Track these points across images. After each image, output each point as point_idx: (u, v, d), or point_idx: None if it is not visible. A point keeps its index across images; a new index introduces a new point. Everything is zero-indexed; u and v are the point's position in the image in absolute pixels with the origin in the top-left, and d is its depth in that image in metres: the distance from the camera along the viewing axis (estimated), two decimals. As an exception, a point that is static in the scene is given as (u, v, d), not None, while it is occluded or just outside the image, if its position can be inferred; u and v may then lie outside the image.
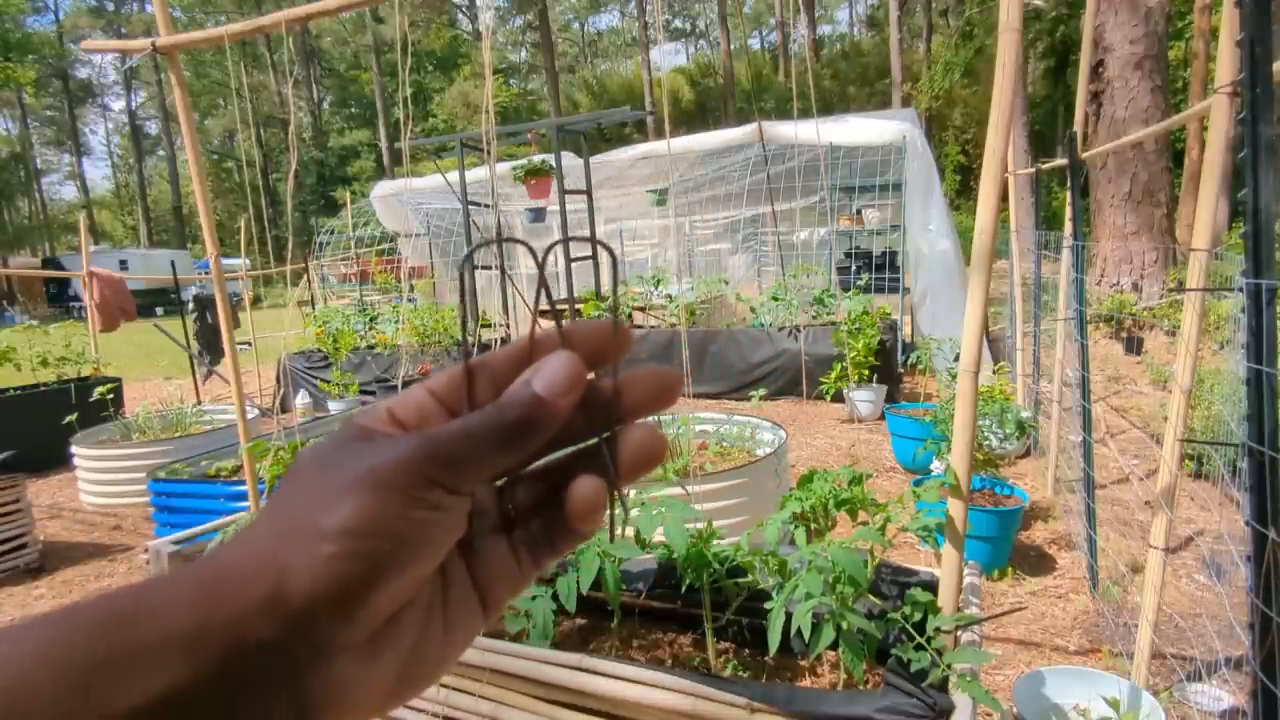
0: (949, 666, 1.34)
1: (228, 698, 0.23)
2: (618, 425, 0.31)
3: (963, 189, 23.64)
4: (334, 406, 6.40)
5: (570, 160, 7.81)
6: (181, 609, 0.23)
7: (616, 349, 0.31)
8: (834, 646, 1.44)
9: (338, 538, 0.24)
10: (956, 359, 1.61)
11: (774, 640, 1.45)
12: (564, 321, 0.31)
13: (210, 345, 8.15)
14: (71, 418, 4.66)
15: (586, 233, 7.76)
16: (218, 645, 0.23)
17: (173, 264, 9.02)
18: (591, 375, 0.31)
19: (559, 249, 7.13)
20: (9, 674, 0.21)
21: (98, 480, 4.56)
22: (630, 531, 1.74)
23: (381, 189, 11.22)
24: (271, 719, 0.24)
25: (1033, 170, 4.31)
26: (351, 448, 0.27)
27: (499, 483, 0.32)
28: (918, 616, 1.46)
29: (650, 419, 0.32)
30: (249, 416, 2.85)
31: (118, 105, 46.13)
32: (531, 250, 0.32)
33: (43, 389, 5.76)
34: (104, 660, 0.21)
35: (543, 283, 0.32)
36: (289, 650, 0.24)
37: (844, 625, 1.42)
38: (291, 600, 0.24)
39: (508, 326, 6.91)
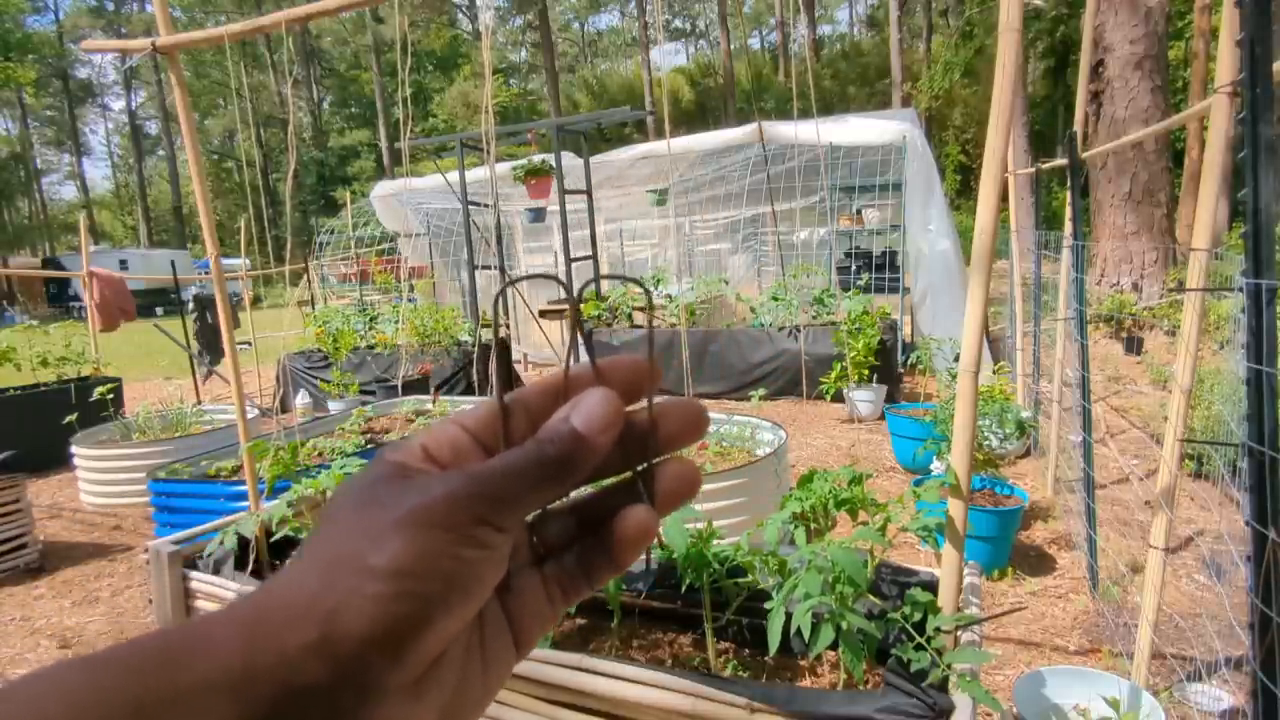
0: (949, 666, 1.34)
1: None
2: (655, 459, 0.31)
3: (963, 189, 23.64)
4: (334, 406, 6.40)
5: (570, 160, 7.82)
6: (227, 650, 0.23)
7: (650, 383, 0.32)
8: (834, 646, 1.44)
9: (388, 577, 0.24)
10: (956, 359, 1.61)
11: (774, 640, 1.45)
12: (597, 358, 0.31)
13: (210, 345, 8.15)
14: (71, 418, 4.66)
15: (585, 232, 7.77)
16: (266, 688, 0.22)
17: (173, 264, 9.02)
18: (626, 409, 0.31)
19: (559, 250, 7.12)
20: None
21: (98, 480, 4.56)
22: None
23: (381, 189, 11.22)
24: None
25: (1033, 170, 4.31)
26: (391, 485, 0.27)
27: (530, 518, 0.32)
28: (918, 616, 1.46)
29: (683, 451, 0.32)
30: (249, 416, 2.85)
31: (118, 105, 46.17)
32: (565, 285, 0.33)
33: (43, 389, 5.76)
34: (145, 703, 0.21)
35: (576, 321, 0.32)
36: (337, 693, 0.24)
37: (844, 625, 1.42)
38: (342, 642, 0.23)
39: (507, 326, 6.90)
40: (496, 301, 0.37)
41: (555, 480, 0.28)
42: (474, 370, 6.14)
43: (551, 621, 0.32)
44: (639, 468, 0.31)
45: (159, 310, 19.36)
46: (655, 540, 0.32)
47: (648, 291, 0.35)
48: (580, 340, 0.33)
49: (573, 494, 0.32)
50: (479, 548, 0.26)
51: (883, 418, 5.23)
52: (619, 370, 0.31)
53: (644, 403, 0.32)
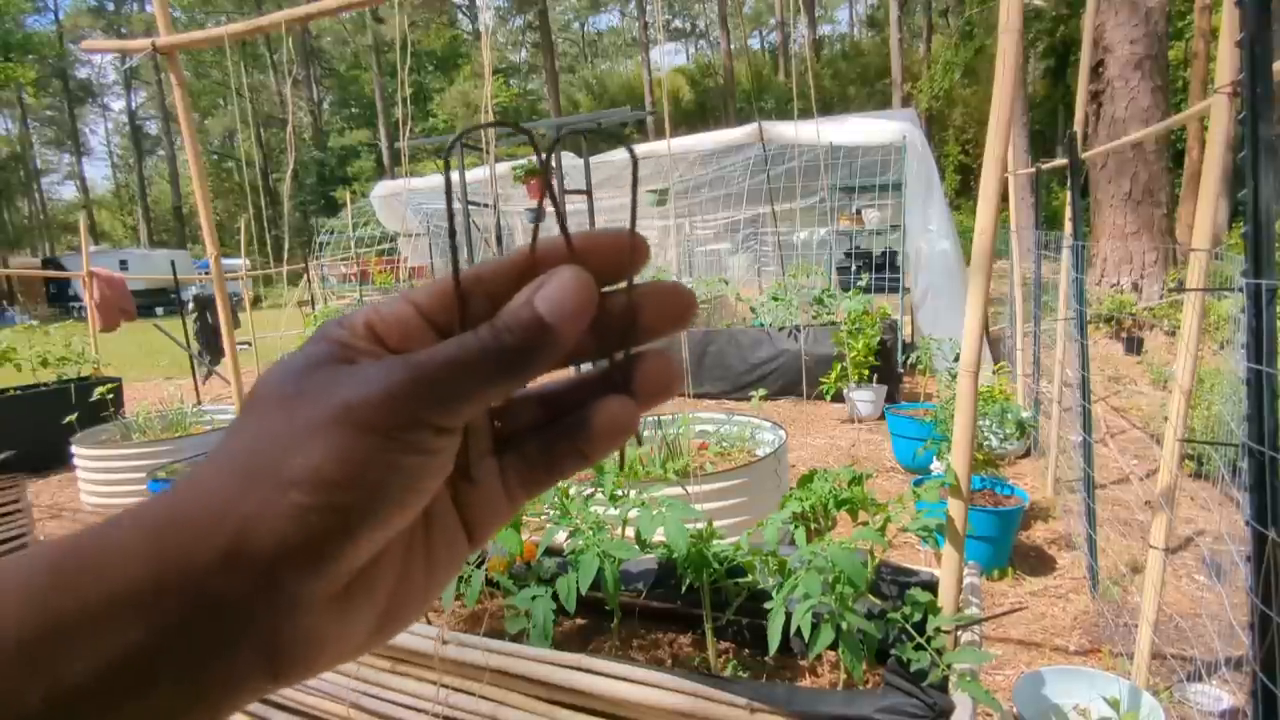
0: (949, 666, 1.34)
1: (191, 656, 0.21)
2: (633, 348, 0.28)
3: (963, 189, 23.64)
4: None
5: (570, 160, 7.82)
6: (133, 563, 0.21)
7: (632, 262, 0.27)
8: (834, 646, 1.44)
9: (308, 486, 0.22)
10: (956, 359, 1.61)
11: (774, 640, 1.45)
12: (571, 230, 0.27)
13: (210, 345, 8.15)
14: (71, 418, 4.65)
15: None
16: (175, 602, 0.21)
17: (173, 264, 9.02)
18: (602, 291, 0.27)
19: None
20: None
21: (98, 480, 4.56)
22: (630, 531, 1.74)
23: (381, 189, 11.23)
24: (241, 674, 0.22)
25: (1033, 170, 4.31)
26: (324, 372, 0.24)
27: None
28: (918, 616, 1.46)
29: (662, 343, 0.29)
30: (249, 416, 2.85)
31: (118, 105, 46.17)
32: (533, 139, 0.28)
33: (43, 389, 5.76)
34: (45, 626, 0.20)
35: (548, 180, 0.28)
36: (255, 605, 0.22)
37: (843, 625, 1.42)
38: (255, 554, 0.21)
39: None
40: (448, 154, 0.32)
41: (512, 373, 0.24)
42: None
43: (508, 515, 0.29)
44: (615, 357, 0.28)
45: (159, 310, 19.36)
46: (635, 441, 0.29)
47: (633, 155, 0.30)
48: (552, 208, 0.28)
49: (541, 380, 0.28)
50: (416, 453, 0.23)
51: (883, 418, 5.23)
52: (596, 245, 0.27)
53: (623, 284, 0.27)
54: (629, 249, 0.27)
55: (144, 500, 0.23)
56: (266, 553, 0.22)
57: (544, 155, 0.27)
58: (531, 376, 0.25)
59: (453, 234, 0.29)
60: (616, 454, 0.29)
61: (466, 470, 0.27)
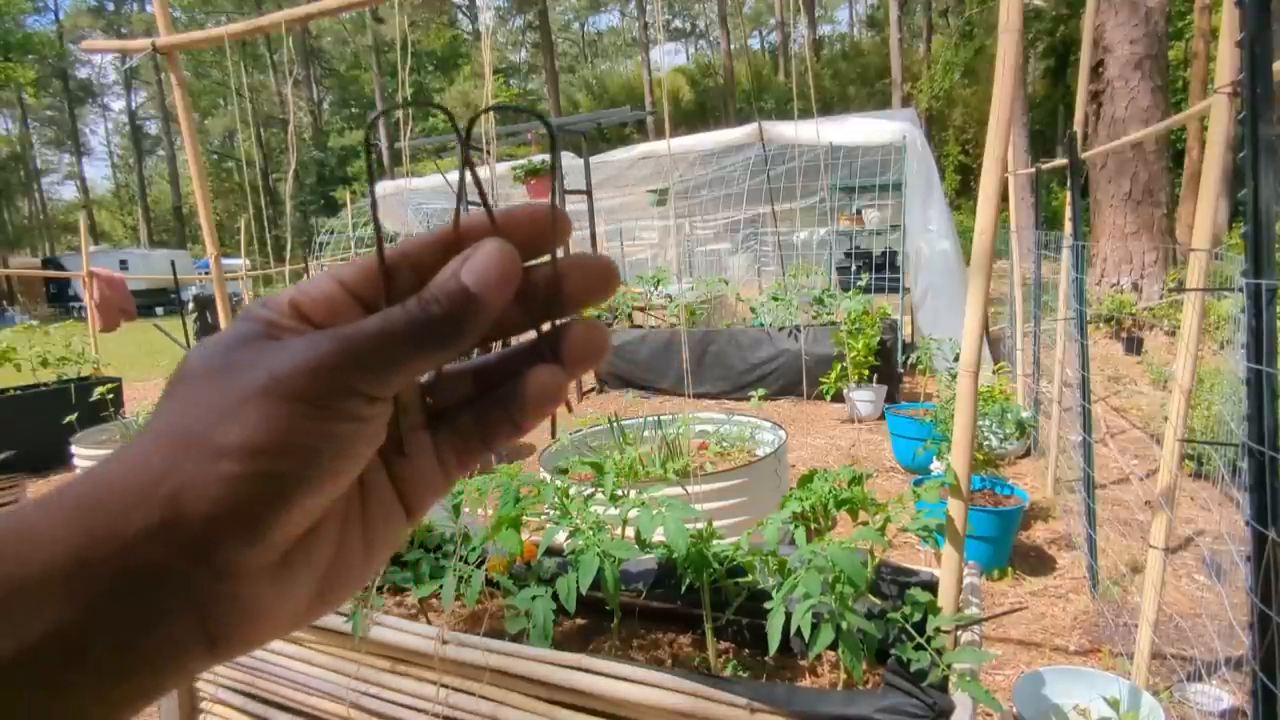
0: (949, 666, 1.34)
1: (123, 630, 0.21)
2: (558, 318, 0.28)
3: (963, 189, 23.64)
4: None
5: (570, 160, 7.82)
6: (60, 538, 0.21)
7: (555, 235, 0.28)
8: (834, 646, 1.44)
9: (238, 456, 0.22)
10: (956, 359, 1.61)
11: (774, 640, 1.45)
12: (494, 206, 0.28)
13: (210, 345, 8.15)
14: (71, 418, 4.65)
15: (585, 232, 7.76)
16: (105, 576, 0.21)
17: (173, 264, 9.03)
18: (527, 264, 0.28)
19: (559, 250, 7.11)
20: None
21: (98, 480, 4.56)
22: (630, 531, 1.74)
23: (381, 189, 11.22)
24: (179, 645, 0.22)
25: (1033, 170, 4.31)
26: (251, 348, 0.24)
27: (422, 379, 0.29)
28: (918, 616, 1.46)
29: (589, 312, 0.29)
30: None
31: (118, 105, 46.18)
32: (451, 117, 0.29)
33: (43, 389, 5.76)
34: None
35: (466, 160, 0.29)
36: (189, 575, 0.22)
37: (843, 625, 1.42)
38: (186, 525, 0.21)
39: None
40: (368, 130, 0.32)
41: (440, 344, 0.25)
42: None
43: (445, 488, 0.29)
44: (544, 328, 0.28)
45: (159, 310, 19.37)
46: (563, 403, 0.29)
47: (549, 127, 0.32)
48: (472, 184, 0.29)
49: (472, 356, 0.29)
50: (346, 420, 0.23)
51: (883, 418, 5.23)
52: (518, 220, 0.28)
53: (547, 257, 0.28)
54: (551, 223, 0.28)
55: (70, 479, 0.23)
56: (199, 521, 0.22)
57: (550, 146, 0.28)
58: (460, 347, 0.26)
59: (374, 206, 0.30)
60: (548, 421, 0.29)
61: (400, 444, 0.27)
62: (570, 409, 0.33)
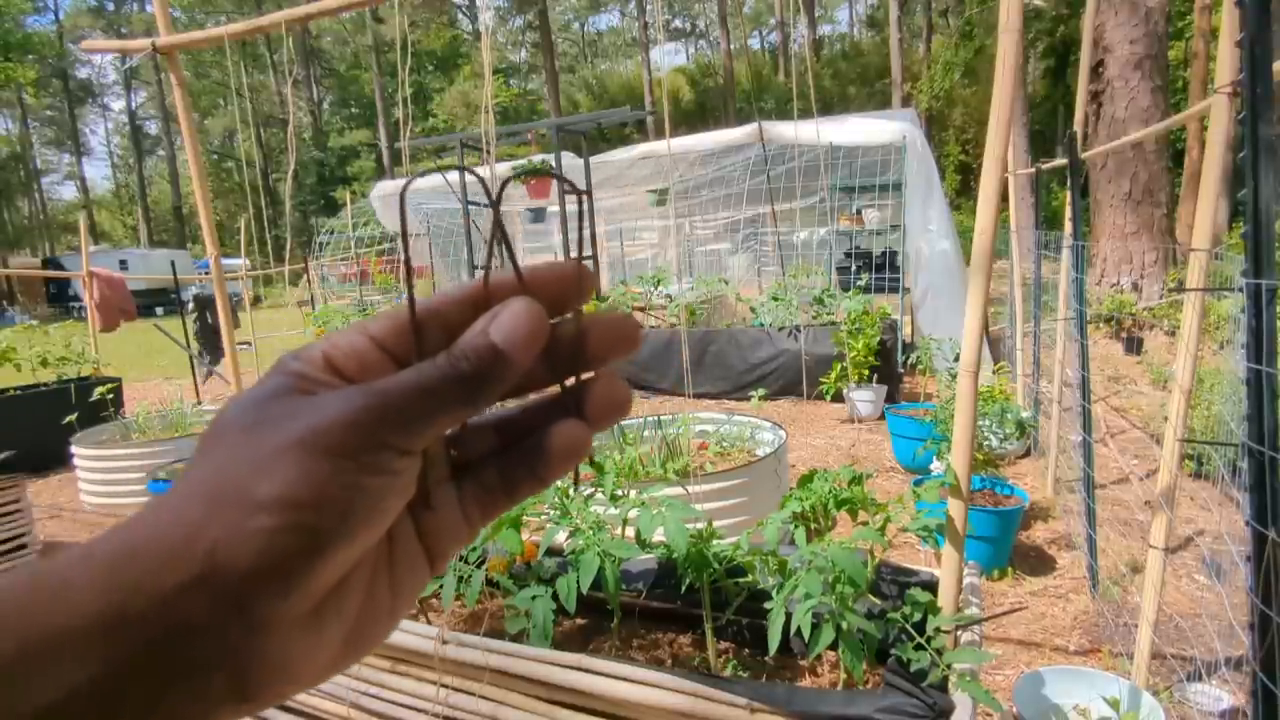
0: (949, 666, 1.34)
1: (156, 684, 0.21)
2: (583, 374, 0.29)
3: (963, 189, 23.64)
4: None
5: (570, 160, 7.82)
6: (98, 592, 0.21)
7: (579, 294, 0.29)
8: (834, 646, 1.44)
9: (275, 509, 0.22)
10: (956, 359, 1.61)
11: (774, 640, 1.45)
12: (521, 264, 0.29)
13: (210, 345, 8.15)
14: (71, 418, 4.65)
15: (587, 233, 7.76)
16: (139, 631, 0.21)
17: (173, 264, 9.02)
18: (552, 320, 0.29)
19: (559, 250, 7.11)
20: None
21: (98, 480, 4.56)
22: (630, 531, 1.74)
23: (381, 189, 11.24)
24: (211, 702, 0.22)
25: (1033, 170, 4.31)
26: (285, 403, 0.24)
27: (448, 431, 0.29)
28: (918, 616, 1.46)
29: (612, 368, 0.30)
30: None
31: (118, 105, 46.18)
32: (485, 186, 0.30)
33: (43, 389, 5.76)
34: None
35: (497, 221, 0.29)
36: (224, 630, 0.22)
37: (844, 625, 1.42)
38: (225, 577, 0.22)
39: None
40: (402, 195, 0.34)
41: (469, 399, 0.26)
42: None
43: (468, 539, 0.30)
44: (567, 384, 0.29)
45: (159, 310, 19.37)
46: (587, 458, 0.29)
47: (587, 194, 0.32)
48: (500, 243, 0.30)
49: (495, 409, 0.30)
50: (380, 474, 0.24)
51: (883, 418, 5.23)
52: (545, 277, 0.28)
53: (570, 315, 0.29)
54: (576, 280, 0.29)
55: (99, 534, 0.23)
56: (236, 575, 0.22)
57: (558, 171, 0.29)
58: (488, 403, 0.27)
59: (409, 268, 0.31)
60: (570, 475, 0.30)
61: (426, 497, 0.28)
62: (593, 462, 0.34)
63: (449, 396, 0.25)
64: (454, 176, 7.20)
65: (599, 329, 0.29)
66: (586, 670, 1.50)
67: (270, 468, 0.23)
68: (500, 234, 0.30)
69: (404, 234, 0.30)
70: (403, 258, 0.31)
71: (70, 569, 0.21)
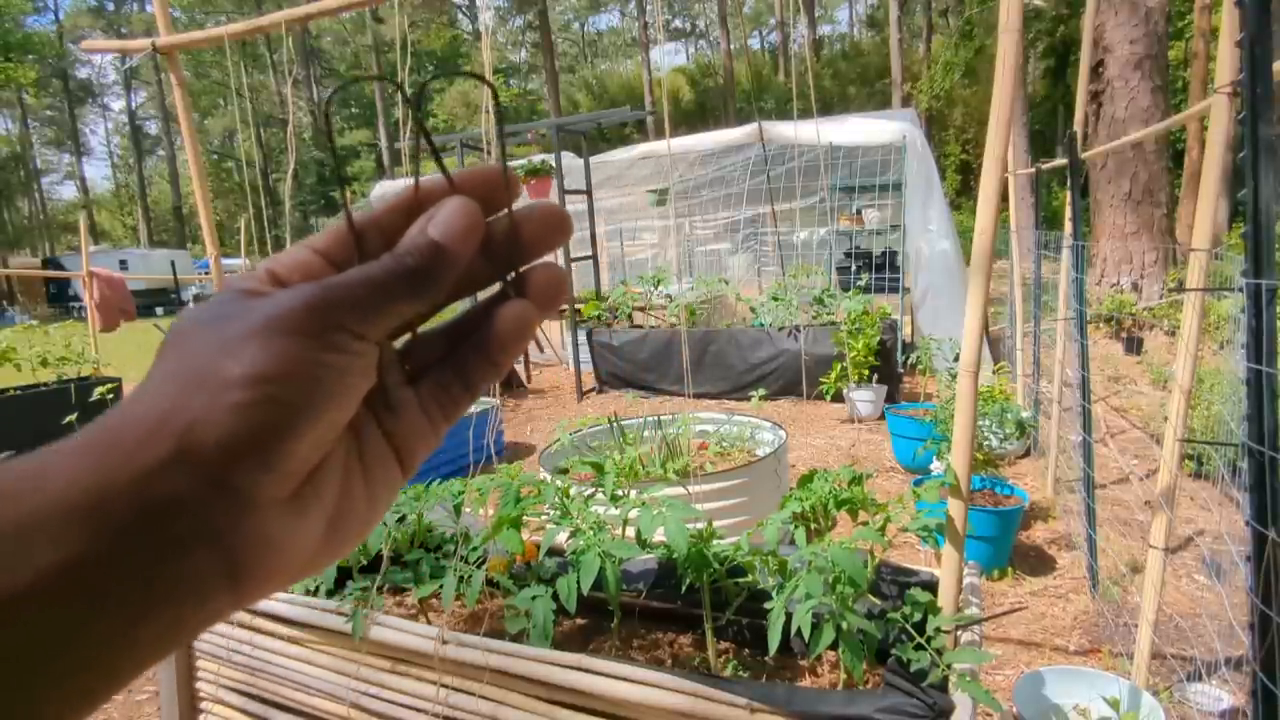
0: (949, 666, 1.34)
1: (143, 562, 0.21)
2: (520, 265, 0.31)
3: (963, 189, 23.64)
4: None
5: (570, 160, 7.81)
6: (76, 475, 0.21)
7: (507, 193, 0.31)
8: (834, 646, 1.44)
9: (247, 384, 0.23)
10: (956, 359, 1.61)
11: (774, 640, 1.45)
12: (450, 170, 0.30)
13: (210, 345, 8.14)
14: (71, 418, 4.65)
15: (586, 232, 7.77)
16: (123, 506, 0.21)
17: (173, 264, 9.03)
18: (487, 220, 0.30)
19: (559, 250, 7.15)
20: None
21: (98, 480, 4.56)
22: (631, 531, 1.74)
23: (381, 189, 11.23)
24: (200, 578, 0.23)
25: (1033, 170, 4.31)
26: (240, 303, 0.25)
27: (399, 344, 0.31)
28: (918, 616, 1.46)
29: (548, 258, 0.32)
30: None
31: (118, 105, 46.16)
32: (399, 87, 0.32)
33: (43, 389, 5.76)
34: None
35: (420, 126, 0.31)
36: (207, 505, 0.22)
37: (844, 625, 1.42)
38: (203, 451, 0.22)
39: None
40: (327, 105, 0.36)
41: (417, 291, 0.27)
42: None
43: (435, 440, 0.31)
44: (508, 276, 0.31)
45: (159, 310, 19.35)
46: (533, 335, 0.31)
47: (490, 85, 0.34)
48: (431, 154, 0.32)
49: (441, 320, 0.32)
50: (340, 352, 0.25)
51: (883, 418, 5.23)
52: (473, 181, 0.30)
53: (503, 213, 0.31)
54: (501, 180, 0.31)
55: (81, 430, 0.23)
56: (214, 449, 0.22)
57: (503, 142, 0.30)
58: (435, 295, 0.28)
59: (338, 174, 0.34)
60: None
61: (386, 399, 0.29)
62: (540, 347, 0.35)
63: (397, 289, 0.27)
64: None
65: (532, 221, 0.31)
66: (586, 670, 1.50)
67: (237, 350, 0.24)
68: (428, 141, 0.31)
69: (331, 140, 0.31)
70: (335, 166, 0.34)
71: (46, 459, 0.22)
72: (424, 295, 0.27)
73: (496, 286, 0.31)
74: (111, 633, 0.21)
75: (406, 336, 0.31)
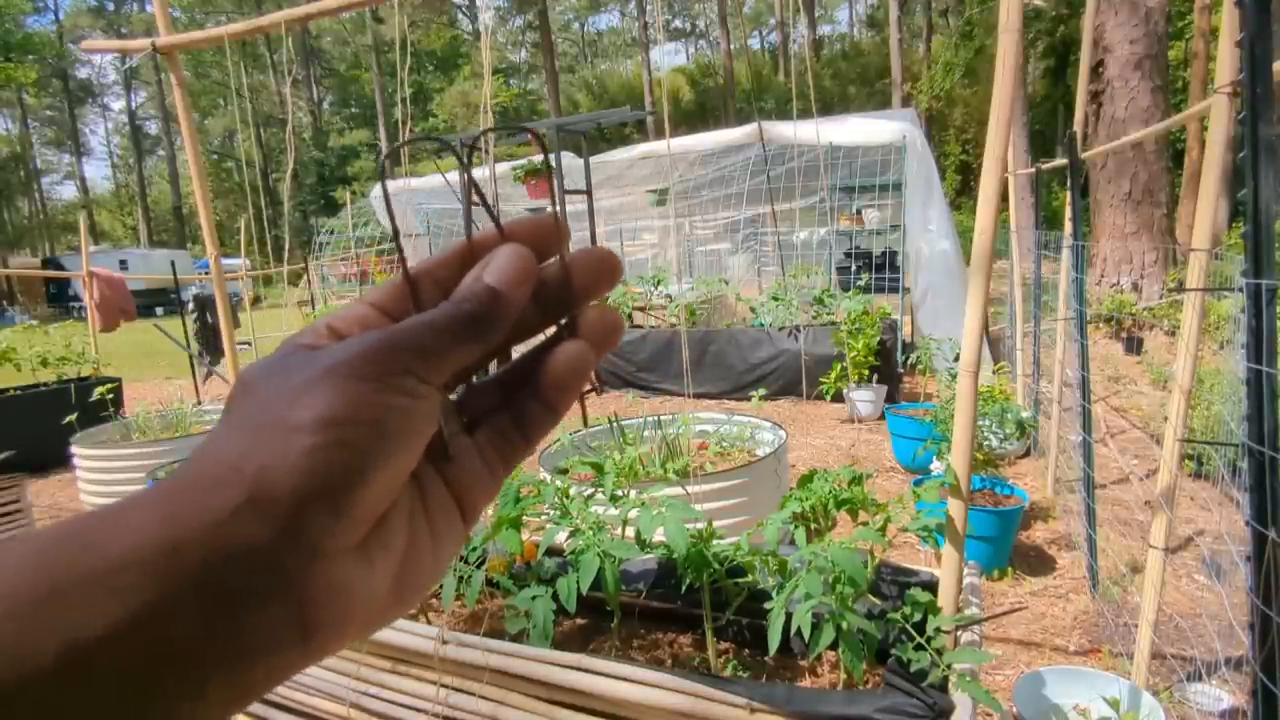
0: (949, 666, 1.34)
1: (216, 611, 0.21)
2: (574, 310, 0.31)
3: (963, 189, 23.64)
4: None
5: (570, 160, 7.81)
6: (148, 524, 0.21)
7: (558, 240, 0.32)
8: (834, 646, 1.44)
9: (317, 428, 0.23)
10: (956, 359, 1.61)
11: (774, 640, 1.45)
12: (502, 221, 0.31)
13: (210, 345, 8.15)
14: (71, 418, 4.65)
15: (586, 232, 7.76)
16: (195, 556, 0.21)
17: (173, 264, 9.02)
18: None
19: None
20: None
21: (98, 480, 4.55)
22: (630, 531, 1.74)
23: (381, 189, 11.21)
24: (270, 630, 0.22)
25: (1033, 170, 4.31)
26: (302, 355, 0.26)
27: (455, 395, 0.31)
28: (918, 616, 1.46)
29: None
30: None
31: (118, 105, 46.16)
32: (456, 152, 0.32)
33: (43, 389, 5.76)
34: (56, 587, 0.19)
35: (471, 183, 0.32)
36: (278, 554, 0.22)
37: (844, 625, 1.42)
38: (274, 497, 0.22)
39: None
40: (381, 164, 0.36)
41: (475, 336, 0.28)
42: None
43: (494, 489, 0.31)
44: (562, 321, 0.31)
45: (159, 310, 19.36)
46: (590, 382, 0.32)
47: (539, 139, 0.35)
48: (483, 204, 0.33)
49: (494, 367, 0.32)
50: (405, 395, 0.25)
51: (883, 418, 5.23)
52: (525, 230, 0.31)
53: (553, 260, 0.31)
54: (552, 229, 0.31)
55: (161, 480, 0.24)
56: (286, 495, 0.22)
57: (546, 154, 0.33)
58: (492, 339, 0.28)
59: (396, 235, 0.34)
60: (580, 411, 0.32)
61: (445, 449, 0.29)
62: (598, 392, 0.36)
63: (457, 333, 0.27)
64: (454, 176, 7.19)
65: (581, 265, 0.31)
66: (586, 670, 1.50)
67: (305, 396, 0.24)
68: (478, 194, 0.32)
69: (389, 210, 0.31)
70: (391, 227, 0.33)
71: (124, 509, 0.22)
72: (483, 339, 0.28)
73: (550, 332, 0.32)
74: (179, 692, 0.21)
75: (461, 387, 0.32)
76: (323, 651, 0.24)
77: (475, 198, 0.32)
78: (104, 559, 0.20)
